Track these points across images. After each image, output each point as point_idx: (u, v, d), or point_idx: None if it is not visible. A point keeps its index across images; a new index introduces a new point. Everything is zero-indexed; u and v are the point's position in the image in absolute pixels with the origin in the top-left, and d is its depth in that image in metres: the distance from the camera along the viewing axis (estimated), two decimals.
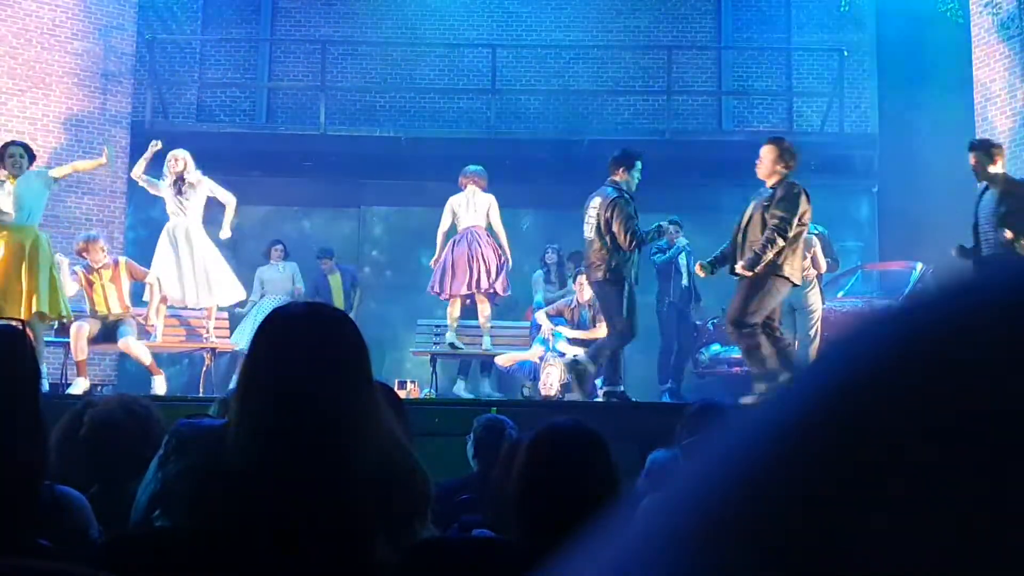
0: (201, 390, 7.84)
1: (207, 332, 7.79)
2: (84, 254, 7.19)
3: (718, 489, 0.28)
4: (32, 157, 6.63)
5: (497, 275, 7.81)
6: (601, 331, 8.14)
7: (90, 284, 7.18)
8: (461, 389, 8.56)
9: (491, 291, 7.84)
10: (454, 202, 7.98)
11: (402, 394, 5.75)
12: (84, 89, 10.60)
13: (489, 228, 7.96)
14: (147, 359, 7.16)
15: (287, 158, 11.54)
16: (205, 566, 1.32)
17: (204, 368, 8.03)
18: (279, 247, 9.64)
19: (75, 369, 7.11)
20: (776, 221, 5.66)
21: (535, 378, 7.82)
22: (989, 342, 0.26)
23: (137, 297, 7.76)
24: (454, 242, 7.90)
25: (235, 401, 1.41)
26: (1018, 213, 5.90)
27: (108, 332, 7.14)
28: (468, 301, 8.03)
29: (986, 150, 6.15)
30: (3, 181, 6.57)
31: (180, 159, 7.45)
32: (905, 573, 0.24)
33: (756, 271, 5.65)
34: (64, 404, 3.51)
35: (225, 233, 7.68)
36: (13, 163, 6.44)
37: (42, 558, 1.59)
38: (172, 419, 2.21)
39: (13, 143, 6.68)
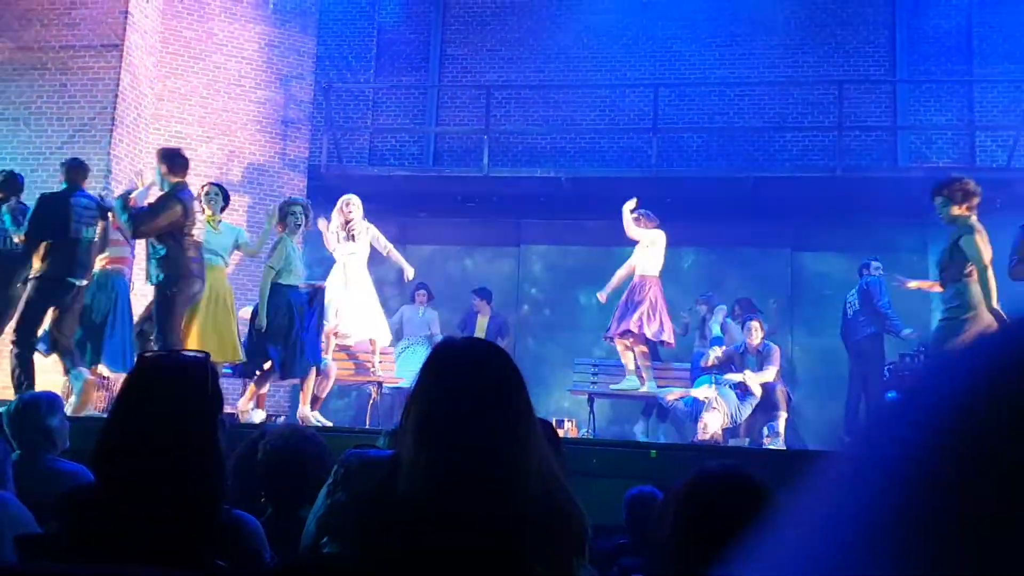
0: (368, 422, 8.09)
1: (373, 366, 8.05)
2: None
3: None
4: (227, 198, 7.14)
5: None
6: (767, 375, 7.87)
7: None
8: (639, 431, 8.54)
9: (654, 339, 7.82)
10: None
11: (560, 432, 5.73)
12: (266, 135, 11.28)
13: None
14: (325, 391, 7.45)
15: (451, 199, 11.86)
16: None
17: (371, 401, 8.29)
18: (423, 291, 9.91)
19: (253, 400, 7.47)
20: None
21: (695, 419, 7.64)
22: None
23: None
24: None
25: (409, 434, 1.44)
26: None
27: None
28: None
29: None
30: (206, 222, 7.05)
31: (354, 204, 7.80)
32: None
33: None
34: (241, 433, 3.68)
35: (409, 272, 8.00)
36: (209, 201, 6.93)
37: None
38: (339, 450, 2.27)
39: (211, 183, 7.21)
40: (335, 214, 7.89)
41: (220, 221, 7.08)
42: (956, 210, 5.65)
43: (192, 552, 1.76)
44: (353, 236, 7.75)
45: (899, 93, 12.07)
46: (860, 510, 0.28)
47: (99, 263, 6.80)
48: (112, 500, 1.77)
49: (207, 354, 2.11)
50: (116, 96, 9.74)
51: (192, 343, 6.38)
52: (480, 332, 10.01)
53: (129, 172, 9.57)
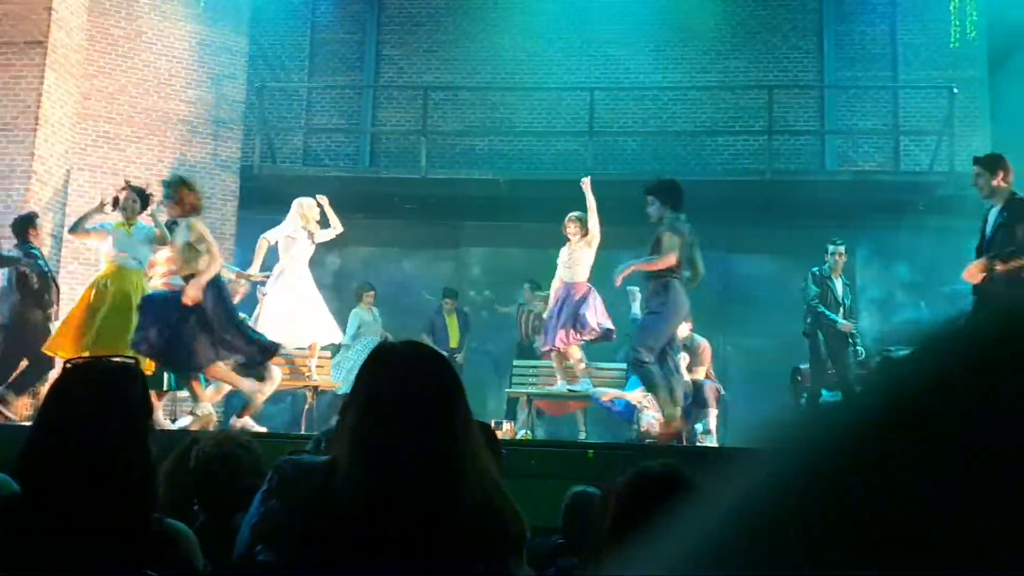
0: (303, 428, 7.99)
1: (309, 370, 7.95)
2: None
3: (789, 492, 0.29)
4: (145, 202, 6.95)
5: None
6: (698, 374, 8.00)
7: None
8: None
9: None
10: None
11: (499, 434, 5.73)
12: (197, 135, 11.08)
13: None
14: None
15: (389, 201, 11.80)
16: None
17: (306, 406, 8.19)
18: (372, 292, 9.84)
19: (182, 405, 7.34)
20: None
21: (629, 420, 7.72)
22: None
23: None
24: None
25: (346, 439, 1.42)
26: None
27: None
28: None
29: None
30: (120, 223, 6.88)
31: (315, 209, 7.63)
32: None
33: None
34: (172, 439, 3.61)
35: (324, 235, 7.74)
36: (124, 209, 6.77)
37: None
38: (272, 455, 2.24)
39: (128, 188, 7.01)
40: (296, 218, 7.63)
41: (134, 224, 6.89)
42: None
43: (121, 562, 1.72)
44: (313, 238, 7.65)
45: (826, 98, 12.37)
46: (757, 507, 0.29)
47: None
48: (37, 510, 1.73)
49: (136, 359, 2.06)
50: (40, 95, 9.47)
51: (94, 346, 6.21)
52: (454, 330, 10.05)
53: (55, 173, 9.32)
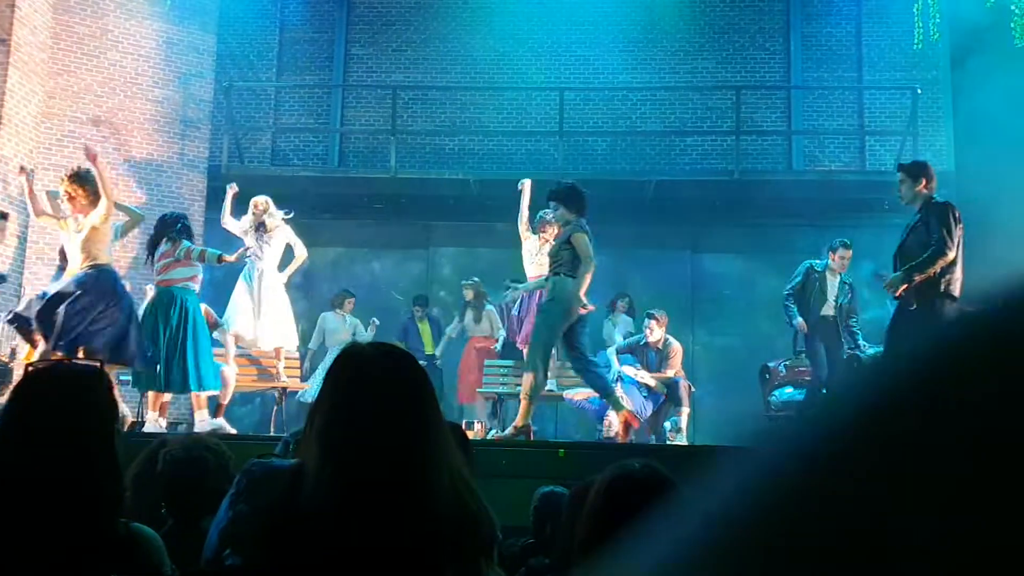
0: (272, 429, 7.94)
1: (277, 372, 7.91)
2: None
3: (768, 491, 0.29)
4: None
5: None
6: (668, 374, 8.06)
7: None
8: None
9: None
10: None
11: (470, 435, 5.73)
12: (163, 135, 10.96)
13: None
14: (227, 398, 7.27)
15: (358, 201, 11.75)
16: None
17: (276, 408, 8.15)
18: (352, 300, 9.78)
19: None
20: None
21: (601, 418, 7.75)
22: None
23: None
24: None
25: (315, 443, 1.42)
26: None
27: None
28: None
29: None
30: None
31: (262, 204, 7.63)
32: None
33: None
34: (140, 443, 3.58)
35: (282, 278, 7.77)
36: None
37: None
38: (242, 457, 2.23)
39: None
40: (249, 215, 7.67)
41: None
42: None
43: (86, 568, 1.70)
44: (263, 236, 7.59)
45: (793, 99, 12.49)
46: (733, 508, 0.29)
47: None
48: (1, 515, 1.70)
49: (101, 362, 2.04)
50: (4, 93, 9.33)
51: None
52: (426, 335, 10.06)
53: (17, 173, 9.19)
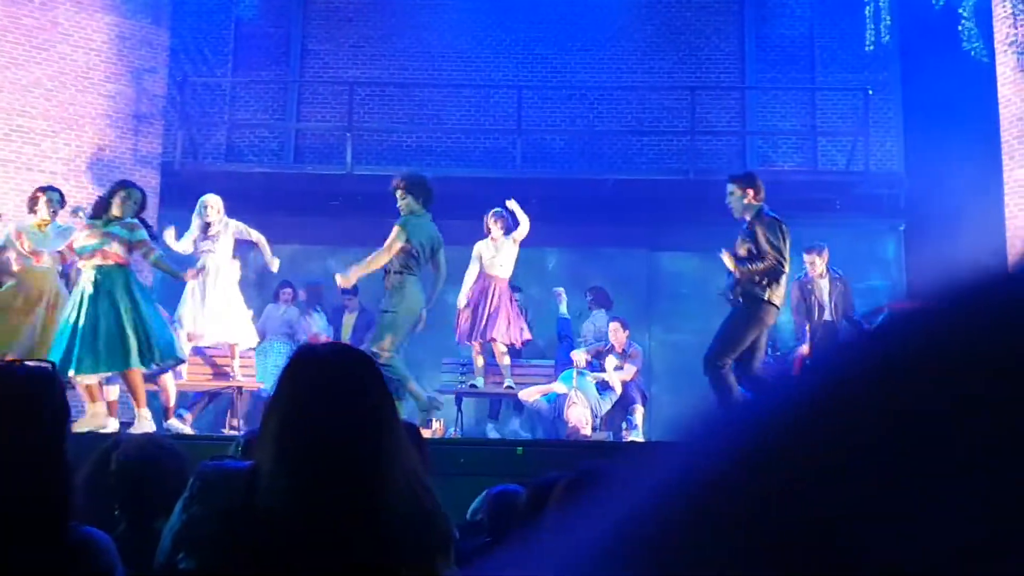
0: (227, 428, 7.86)
1: (232, 370, 7.83)
2: None
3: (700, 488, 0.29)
4: (63, 202, 6.78)
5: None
6: (627, 374, 8.14)
7: None
8: (491, 431, 8.58)
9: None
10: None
11: (427, 433, 5.73)
12: (116, 130, 10.79)
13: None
14: (172, 400, 7.18)
15: (314, 197, 11.66)
16: None
17: (231, 407, 8.07)
18: (288, 290, 9.74)
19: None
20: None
21: (558, 414, 7.80)
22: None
23: None
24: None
25: (269, 444, 1.42)
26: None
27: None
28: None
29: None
30: (36, 224, 6.68)
31: (211, 206, 7.55)
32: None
33: None
34: (92, 444, 3.53)
35: (274, 265, 7.77)
36: (48, 207, 6.59)
37: None
38: (196, 457, 2.22)
39: (49, 188, 6.84)
40: (194, 218, 7.65)
41: (49, 224, 6.74)
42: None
43: (37, 573, 1.68)
44: (210, 235, 7.52)
45: (747, 99, 12.64)
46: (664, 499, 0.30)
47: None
48: None
49: (53, 363, 2.02)
50: None
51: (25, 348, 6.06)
52: (347, 329, 9.91)
53: None
